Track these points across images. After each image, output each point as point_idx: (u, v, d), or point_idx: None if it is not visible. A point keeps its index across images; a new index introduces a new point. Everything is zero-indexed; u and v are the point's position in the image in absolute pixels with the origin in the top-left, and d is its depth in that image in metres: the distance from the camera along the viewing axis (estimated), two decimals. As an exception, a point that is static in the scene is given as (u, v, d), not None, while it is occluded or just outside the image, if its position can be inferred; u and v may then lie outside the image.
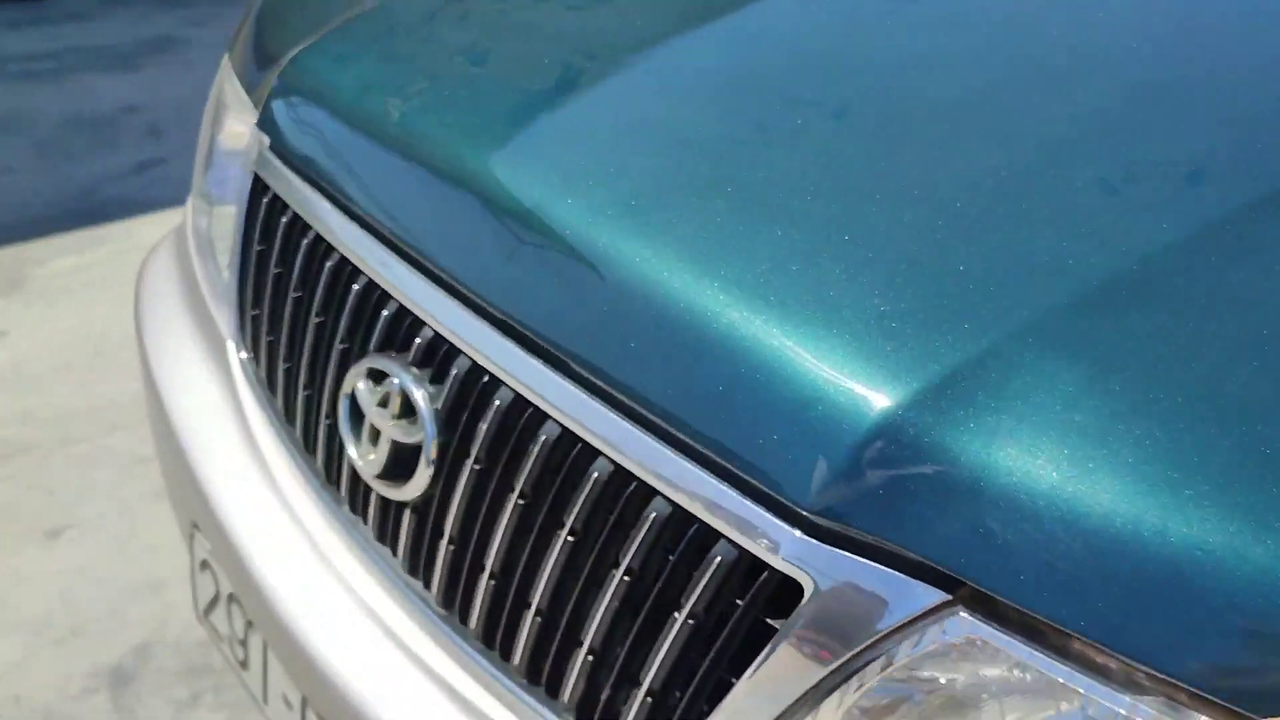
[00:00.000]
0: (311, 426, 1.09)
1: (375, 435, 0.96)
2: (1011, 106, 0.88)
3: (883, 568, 0.67)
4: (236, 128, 1.43)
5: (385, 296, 0.99)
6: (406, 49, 1.13)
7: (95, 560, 2.06)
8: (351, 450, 0.99)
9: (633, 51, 1.03)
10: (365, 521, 1.02)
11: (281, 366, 1.13)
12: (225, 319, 1.28)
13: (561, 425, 0.82)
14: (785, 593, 0.71)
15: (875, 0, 1.05)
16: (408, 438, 0.92)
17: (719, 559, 0.73)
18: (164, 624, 1.93)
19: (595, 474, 0.80)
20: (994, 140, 0.84)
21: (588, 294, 0.81)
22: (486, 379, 0.88)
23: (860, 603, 0.68)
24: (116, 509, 2.18)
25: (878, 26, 1.00)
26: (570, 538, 0.81)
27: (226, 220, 1.45)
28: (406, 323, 0.96)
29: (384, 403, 0.95)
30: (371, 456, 0.97)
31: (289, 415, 1.13)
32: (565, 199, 0.86)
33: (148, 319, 1.39)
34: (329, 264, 1.05)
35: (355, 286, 1.01)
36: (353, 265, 1.03)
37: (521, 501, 0.84)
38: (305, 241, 1.09)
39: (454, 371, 0.90)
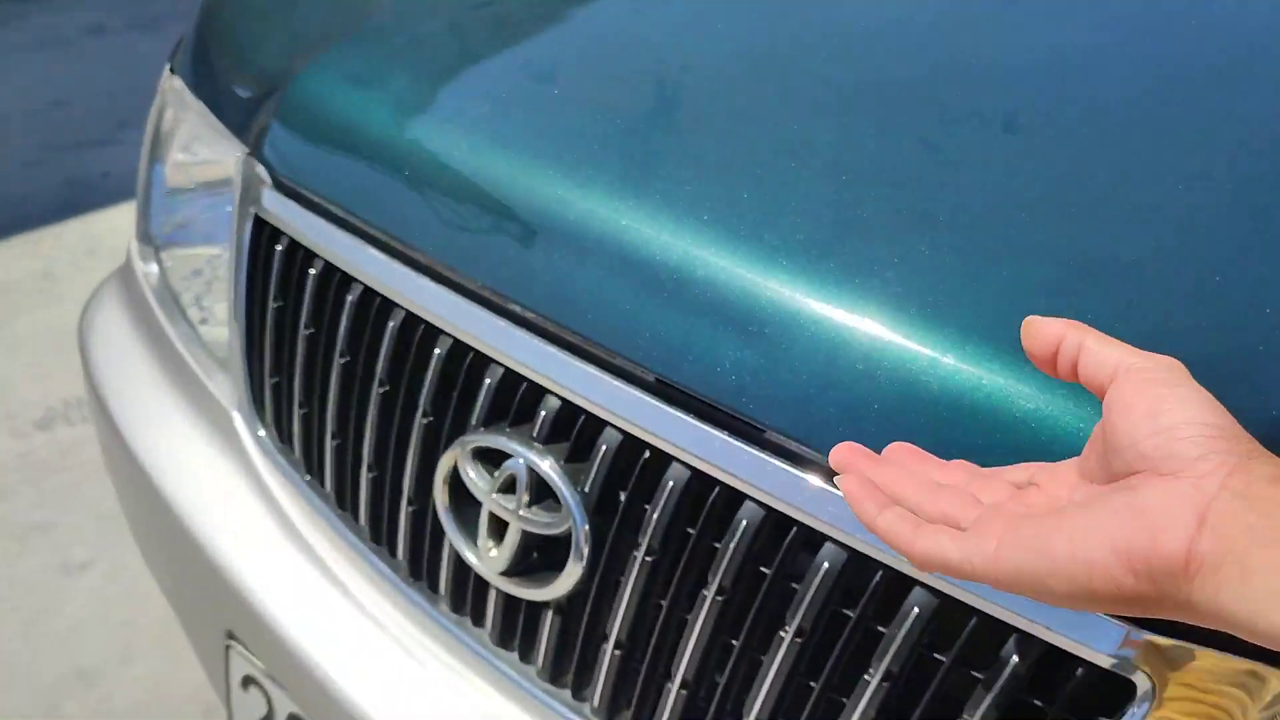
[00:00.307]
0: (383, 515, 0.93)
1: (497, 526, 0.82)
2: (1192, 110, 0.80)
3: (1239, 658, 0.58)
4: (198, 159, 1.23)
5: (481, 358, 0.85)
6: (446, 63, 0.97)
7: (8, 649, 1.80)
8: (460, 545, 0.84)
9: (735, 60, 0.91)
10: (478, 623, 0.88)
11: (330, 444, 0.96)
12: (227, 388, 1.10)
13: (767, 507, 0.71)
14: (1080, 681, 0.62)
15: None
16: (548, 528, 0.79)
17: (1014, 660, 0.63)
18: (106, 717, 1.70)
19: (825, 564, 0.68)
20: (1196, 149, 0.77)
21: (783, 356, 0.70)
22: (648, 454, 0.76)
23: (1208, 701, 0.59)
24: (21, 587, 1.92)
25: (1008, 24, 0.91)
26: (798, 639, 0.70)
27: (187, 266, 1.26)
28: (520, 390, 0.82)
29: (507, 487, 0.81)
30: (494, 552, 0.82)
31: (345, 502, 0.97)
32: (729, 241, 0.74)
33: (111, 388, 1.19)
34: (392, 324, 0.90)
35: (438, 350, 0.87)
36: (427, 324, 0.88)
37: (720, 598, 0.73)
38: (351, 298, 0.93)
39: (602, 448, 0.77)
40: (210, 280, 1.25)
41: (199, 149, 1.24)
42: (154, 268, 1.29)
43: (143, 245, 1.30)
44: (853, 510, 0.51)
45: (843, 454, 0.55)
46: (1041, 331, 0.51)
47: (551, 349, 0.80)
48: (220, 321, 1.19)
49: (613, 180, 0.80)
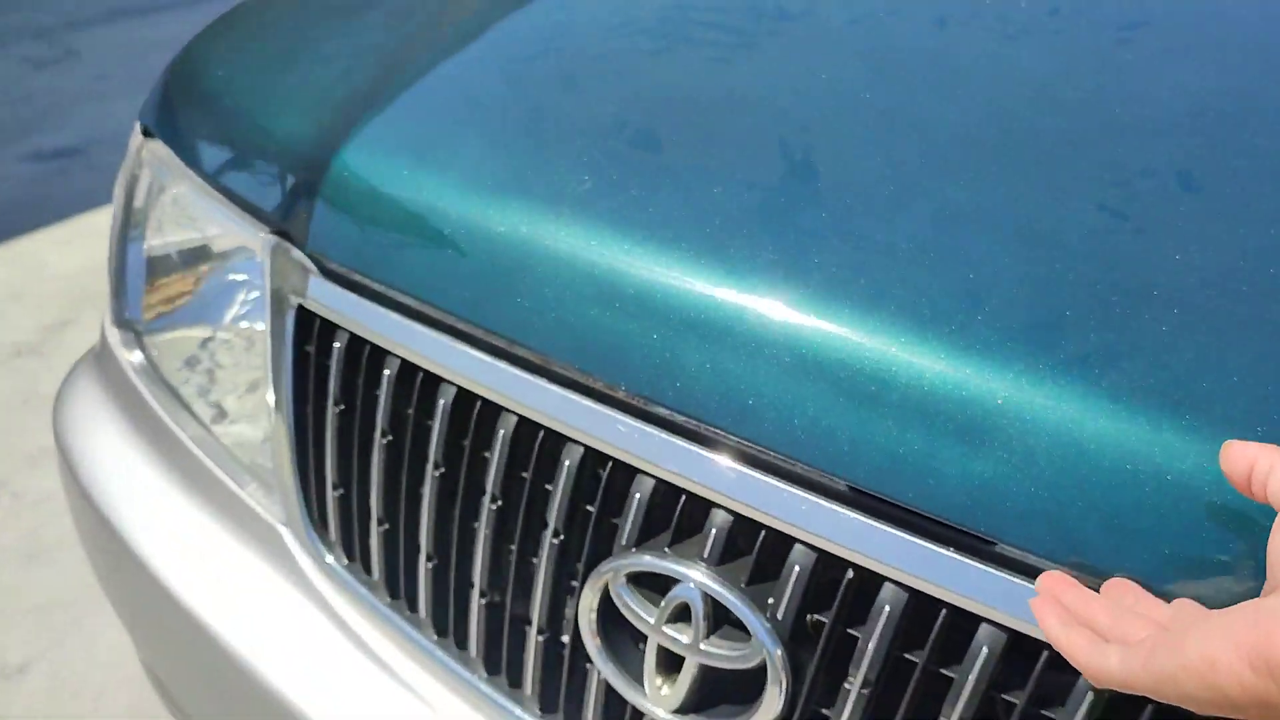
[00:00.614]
0: (502, 645, 0.83)
1: (666, 659, 0.74)
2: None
3: None
4: (190, 236, 1.10)
5: (623, 468, 0.76)
6: (519, 128, 0.87)
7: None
8: (619, 684, 0.75)
9: (854, 116, 0.83)
10: (637, 762, 0.79)
11: (424, 567, 0.86)
12: (266, 499, 0.97)
13: (1008, 630, 0.64)
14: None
15: (1112, 32, 0.91)
16: (736, 661, 0.71)
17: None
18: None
19: (1089, 694, 0.62)
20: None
21: (1020, 463, 0.63)
22: (850, 574, 0.68)
23: None
24: (-47, 702, 1.72)
25: (1137, 68, 0.86)
26: (1064, 777, 0.63)
27: (178, 352, 1.13)
28: (679, 504, 0.74)
29: (676, 616, 0.72)
30: (666, 690, 0.74)
31: (445, 629, 0.86)
32: (930, 335, 0.67)
33: (118, 508, 1.04)
34: (503, 431, 0.80)
35: (568, 462, 0.77)
36: (546, 430, 0.78)
37: (960, 733, 0.66)
38: (444, 402, 0.83)
39: (794, 569, 0.69)
40: (211, 369, 1.11)
41: (190, 225, 1.10)
42: (138, 356, 1.14)
43: (122, 331, 1.15)
44: (1039, 624, 0.54)
45: (1046, 581, 0.58)
46: (1235, 454, 0.53)
47: (716, 458, 0.71)
48: (237, 418, 1.06)
49: (771, 266, 0.72)
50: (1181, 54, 0.88)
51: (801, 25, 0.94)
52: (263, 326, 1.07)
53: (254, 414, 1.05)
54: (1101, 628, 0.53)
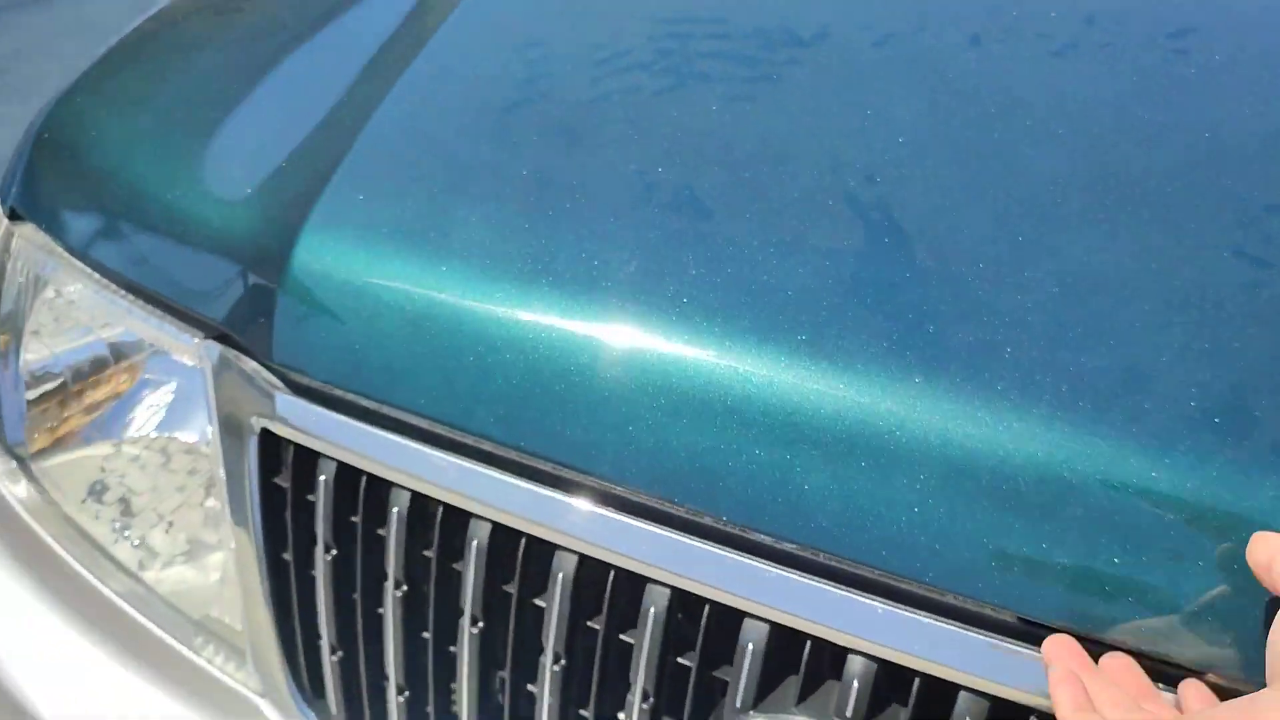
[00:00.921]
0: (579, 827, 0.69)
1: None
2: None
3: None
4: (81, 341, 0.90)
5: (723, 611, 0.63)
6: (525, 200, 0.72)
7: None
8: None
9: (912, 154, 0.72)
10: None
11: (467, 741, 0.70)
12: (231, 665, 0.80)
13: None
14: None
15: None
16: (900, 840, 0.59)
17: None
18: None
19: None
20: None
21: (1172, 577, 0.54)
22: (1033, 722, 0.58)
23: None
24: None
25: (1192, 87, 0.78)
26: None
27: (79, 480, 0.93)
28: (805, 652, 0.61)
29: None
30: None
31: (498, 810, 0.72)
32: (1097, 429, 0.56)
33: (19, 679, 0.84)
34: (562, 574, 0.65)
35: (653, 609, 0.63)
36: (617, 570, 0.65)
37: None
38: (478, 541, 0.68)
39: (964, 722, 0.58)
40: (125, 497, 0.92)
41: (79, 327, 0.90)
42: (25, 489, 0.94)
43: (3, 461, 0.94)
44: (1051, 698, 0.53)
45: (1055, 646, 0.55)
46: (1260, 545, 0.52)
47: (854, 597, 0.59)
48: (170, 559, 0.88)
49: (887, 357, 0.60)
50: (1246, 65, 0.80)
51: (820, 51, 0.82)
52: (186, 437, 0.89)
53: (192, 550, 0.87)
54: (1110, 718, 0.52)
